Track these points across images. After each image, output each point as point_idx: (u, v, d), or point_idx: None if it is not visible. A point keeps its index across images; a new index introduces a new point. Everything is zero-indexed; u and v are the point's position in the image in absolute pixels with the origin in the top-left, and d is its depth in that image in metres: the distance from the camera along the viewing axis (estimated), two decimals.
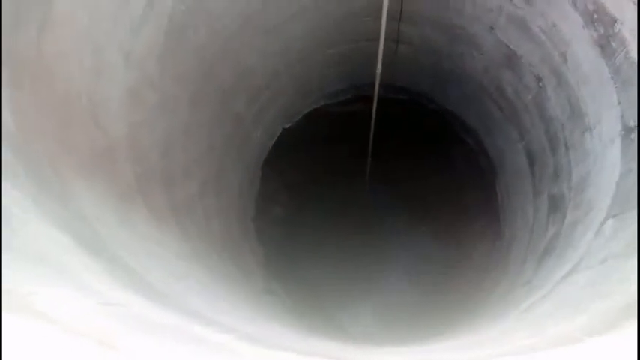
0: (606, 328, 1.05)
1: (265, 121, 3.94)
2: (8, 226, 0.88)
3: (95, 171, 1.85)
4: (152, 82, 2.47)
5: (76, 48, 1.79)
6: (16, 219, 0.93)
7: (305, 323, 3.98)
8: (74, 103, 1.77)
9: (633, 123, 2.15)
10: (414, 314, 4.98)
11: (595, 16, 2.24)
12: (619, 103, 2.25)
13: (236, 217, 3.93)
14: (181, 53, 2.62)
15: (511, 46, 2.98)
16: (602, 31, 2.23)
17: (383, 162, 4.96)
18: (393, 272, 5.31)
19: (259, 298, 3.55)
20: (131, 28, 2.16)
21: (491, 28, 3.00)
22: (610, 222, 2.16)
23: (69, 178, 1.51)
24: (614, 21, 2.14)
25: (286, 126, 4.39)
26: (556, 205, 2.95)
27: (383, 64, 3.58)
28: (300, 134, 4.50)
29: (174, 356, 0.80)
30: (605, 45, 2.24)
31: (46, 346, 0.71)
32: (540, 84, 2.90)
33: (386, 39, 3.25)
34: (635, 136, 2.14)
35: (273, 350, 1.17)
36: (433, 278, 5.14)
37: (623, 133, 2.23)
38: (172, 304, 1.21)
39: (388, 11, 2.86)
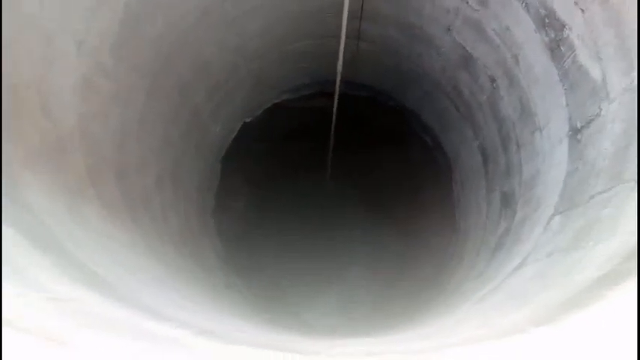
0: (549, 319, 1.10)
1: (225, 115, 3.89)
2: None
3: (44, 163, 1.77)
4: (106, 72, 2.39)
5: (24, 36, 1.71)
6: None
7: (267, 317, 3.98)
8: (21, 92, 1.69)
9: (579, 124, 2.26)
10: (375, 306, 5.07)
11: (546, 20, 2.33)
12: (567, 105, 2.36)
13: (195, 212, 3.87)
14: (137, 43, 2.54)
15: (467, 48, 3.07)
16: (552, 35, 2.33)
17: (343, 157, 5.00)
18: (353, 265, 5.37)
19: (220, 293, 3.51)
20: (84, 16, 2.08)
21: (449, 29, 3.08)
22: (557, 218, 2.27)
23: (16, 170, 1.44)
24: (564, 26, 2.24)
25: (247, 120, 4.35)
26: (507, 201, 3.07)
27: (344, 61, 3.61)
28: (260, 129, 4.47)
29: (125, 352, 0.78)
30: (555, 49, 2.35)
31: None
32: (494, 85, 3.00)
33: (347, 36, 3.28)
34: (581, 136, 2.26)
35: (230, 345, 1.16)
36: (392, 270, 5.23)
37: (570, 133, 2.34)
38: (125, 300, 1.19)
39: (349, 9, 2.88)
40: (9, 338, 0.66)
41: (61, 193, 1.79)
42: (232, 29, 3.13)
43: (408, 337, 1.72)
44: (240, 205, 4.89)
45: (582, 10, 2.10)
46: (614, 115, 1.99)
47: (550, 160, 2.50)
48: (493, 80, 3.00)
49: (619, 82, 1.96)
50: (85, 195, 2.02)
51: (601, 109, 2.06)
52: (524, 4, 2.43)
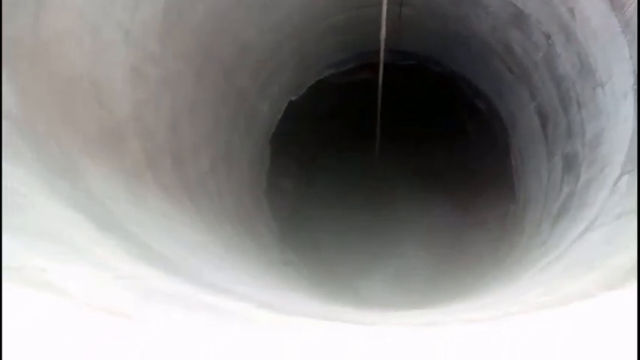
0: (620, 283, 1.04)
1: (270, 94, 3.91)
2: (17, 205, 0.89)
3: (103, 149, 1.86)
4: (154, 60, 2.45)
5: (73, 28, 1.77)
6: (24, 199, 0.94)
7: (323, 291, 4.05)
8: (76, 83, 1.77)
9: None
10: (430, 280, 5.02)
11: None
12: (630, 56, 2.18)
13: (248, 192, 3.95)
14: (180, 30, 2.59)
15: (518, 4, 2.89)
16: None
17: (392, 130, 4.91)
18: (408, 239, 5.32)
19: (277, 270, 3.60)
20: (127, 6, 2.14)
21: None
22: (625, 178, 2.13)
23: (77, 158, 1.52)
24: None
25: (292, 99, 4.35)
26: (570, 165, 2.91)
27: (387, 30, 3.50)
28: (306, 107, 4.47)
29: (187, 324, 0.82)
30: None
31: (63, 319, 0.72)
32: (549, 41, 2.81)
33: (389, 3, 3.17)
34: None
35: (291, 317, 1.18)
36: (448, 244, 5.15)
37: (635, 87, 2.16)
38: (187, 276, 1.23)
39: None
40: (80, 314, 0.70)
41: (120, 177, 1.88)
42: (271, 9, 3.12)
43: (467, 308, 1.69)
44: (290, 184, 4.95)
45: None
46: None
47: (615, 117, 2.33)
48: (548, 37, 2.81)
49: None
50: (143, 179, 2.11)
51: None
52: None
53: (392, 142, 5.06)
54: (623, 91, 2.26)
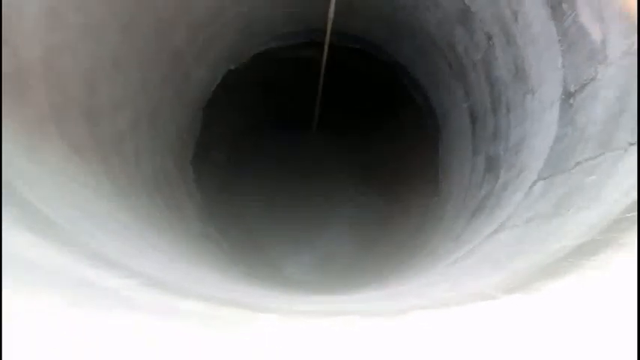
0: (520, 287, 1.05)
1: (208, 60, 3.70)
2: None
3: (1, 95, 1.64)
4: (76, 2, 2.21)
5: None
6: None
7: (242, 270, 3.96)
8: None
9: (573, 88, 2.17)
10: (353, 264, 5.10)
11: None
12: (563, 67, 2.26)
13: (173, 159, 3.75)
14: None
15: (465, 1, 2.90)
16: None
17: (331, 111, 4.87)
18: (334, 222, 5.36)
19: (194, 243, 3.45)
20: None
21: None
22: (540, 184, 2.21)
23: None
24: None
25: (232, 67, 4.16)
26: (491, 165, 3.01)
27: (336, 11, 3.42)
28: (246, 77, 4.29)
29: (48, 303, 0.71)
30: (557, 6, 2.21)
31: None
32: (490, 42, 2.86)
33: None
34: (573, 100, 2.17)
35: (177, 296, 1.09)
36: (373, 229, 5.23)
37: (563, 97, 2.24)
38: (72, 245, 1.10)
39: None
40: None
41: (17, 128, 1.67)
42: None
43: (374, 297, 1.69)
44: (222, 156, 4.77)
45: None
46: (610, 80, 1.89)
47: (539, 125, 2.41)
48: (489, 37, 2.86)
49: (619, 44, 1.86)
50: (46, 133, 1.90)
51: (597, 73, 1.96)
52: None
53: (329, 123, 5.03)
54: (551, 100, 2.34)
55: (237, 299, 1.21)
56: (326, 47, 3.87)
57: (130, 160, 2.77)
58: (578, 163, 1.89)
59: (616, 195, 1.44)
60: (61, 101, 2.13)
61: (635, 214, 1.25)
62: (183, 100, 3.68)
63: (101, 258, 1.08)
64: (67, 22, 2.20)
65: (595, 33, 1.99)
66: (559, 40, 2.23)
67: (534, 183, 2.25)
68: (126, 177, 2.56)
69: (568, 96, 2.17)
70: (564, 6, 2.16)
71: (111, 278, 0.96)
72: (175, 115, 3.62)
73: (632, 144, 1.64)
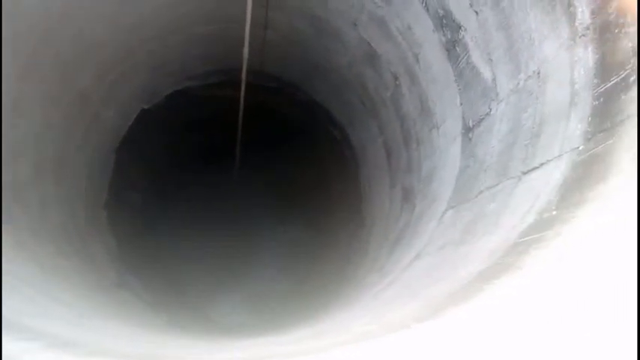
0: (431, 314, 1.10)
1: (119, 100, 3.58)
2: None
3: None
4: None
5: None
6: None
7: (164, 318, 3.75)
8: None
9: (472, 123, 2.36)
10: (282, 302, 5.02)
11: (444, 21, 2.40)
12: (461, 104, 2.46)
13: (84, 205, 3.52)
14: (7, 12, 2.22)
15: (372, 44, 3.09)
16: (449, 36, 2.40)
17: (251, 150, 4.87)
18: (262, 260, 5.28)
19: (109, 294, 3.22)
20: None
21: (355, 24, 3.08)
22: (449, 212, 2.35)
23: None
24: (460, 27, 2.31)
25: (145, 107, 4.05)
26: (407, 196, 3.15)
27: (251, 50, 3.48)
28: (161, 117, 4.19)
29: None
30: (451, 49, 2.42)
31: None
32: (397, 82, 3.05)
33: (254, 24, 3.16)
34: (472, 135, 2.36)
35: (94, 358, 1.02)
36: (302, 265, 5.22)
37: (463, 131, 2.43)
38: None
39: None
40: None
41: None
42: (125, 5, 2.87)
43: (301, 336, 1.67)
44: (137, 198, 4.56)
45: (476, 13, 2.18)
46: (502, 115, 2.09)
47: (445, 157, 2.59)
48: (396, 78, 3.05)
49: (507, 83, 2.06)
50: None
51: (490, 109, 2.15)
52: (424, 3, 2.48)
53: (250, 161, 5.02)
54: (453, 135, 2.53)
55: (159, 352, 1.14)
56: (242, 86, 3.90)
57: (33, 210, 2.57)
58: (480, 192, 2.04)
59: (513, 221, 1.56)
60: None
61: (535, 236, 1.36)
62: (92, 142, 3.51)
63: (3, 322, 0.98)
64: None
65: (486, 73, 2.20)
66: (455, 80, 2.44)
67: (445, 212, 2.39)
68: (29, 227, 2.37)
69: (467, 130, 2.35)
70: (458, 49, 2.38)
71: (9, 343, 0.87)
72: (84, 159, 3.43)
73: (524, 173, 1.81)
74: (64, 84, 2.81)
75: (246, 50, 3.41)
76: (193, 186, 5.04)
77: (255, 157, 5.02)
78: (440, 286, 1.39)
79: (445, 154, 2.64)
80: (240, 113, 4.19)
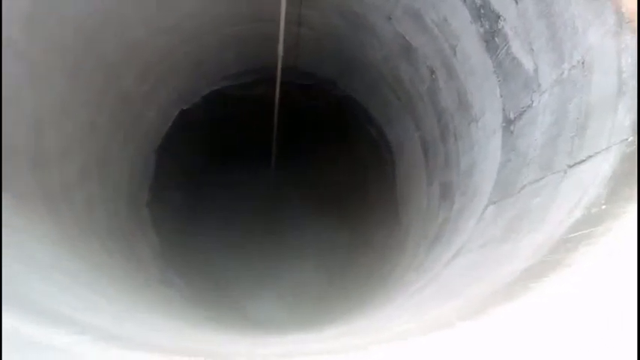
0: (475, 313, 1.07)
1: (159, 101, 3.67)
2: None
3: None
4: (17, 50, 2.16)
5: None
6: None
7: (204, 314, 3.83)
8: None
9: (512, 115, 2.29)
10: (321, 300, 5.04)
11: (482, 11, 2.33)
12: (501, 96, 2.39)
13: (127, 204, 3.64)
14: (54, 20, 2.31)
15: (407, 38, 3.05)
16: (487, 27, 2.33)
17: (287, 148, 4.90)
18: (299, 258, 5.31)
19: (152, 290, 3.32)
20: None
21: (389, 18, 3.04)
22: (491, 208, 2.29)
23: None
24: (498, 17, 2.24)
25: (184, 107, 4.14)
26: (446, 193, 3.09)
27: (286, 48, 3.50)
28: (199, 117, 4.28)
29: None
30: (490, 40, 2.35)
31: None
32: (433, 76, 3.00)
33: (288, 21, 3.17)
34: (513, 127, 2.28)
35: (139, 352, 1.05)
36: (338, 264, 5.21)
37: (504, 124, 2.36)
38: (17, 304, 1.04)
39: None
40: None
41: None
42: (163, 9, 2.94)
43: (338, 334, 1.67)
44: (177, 197, 4.68)
45: (516, 2, 2.11)
46: (545, 106, 2.01)
47: (485, 152, 2.52)
48: (432, 71, 3.00)
49: (550, 73, 1.99)
50: None
51: (532, 101, 2.08)
52: None
53: (286, 159, 5.05)
54: (493, 128, 2.46)
55: (199, 347, 1.16)
56: (278, 84, 3.93)
57: (80, 209, 2.67)
58: (523, 187, 1.98)
59: (560, 216, 1.50)
60: (5, 151, 2.05)
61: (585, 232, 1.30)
62: (135, 143, 3.62)
63: (49, 315, 1.02)
64: (8, 71, 2.15)
65: (527, 63, 2.13)
66: (495, 71, 2.37)
67: (486, 208, 2.33)
68: (76, 225, 2.46)
69: (508, 123, 2.28)
70: (497, 40, 2.31)
71: (61, 336, 0.90)
72: (127, 159, 3.54)
73: (571, 166, 1.74)
74: (107, 86, 2.91)
75: (280, 48, 3.43)
76: (231, 184, 5.12)
77: (291, 154, 5.04)
78: (482, 284, 1.35)
79: (485, 148, 2.57)
80: (276, 111, 4.21)
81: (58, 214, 2.41)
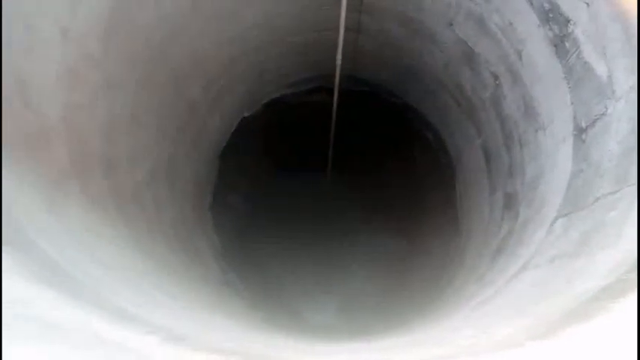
0: (548, 333, 1.02)
1: (223, 108, 3.81)
2: None
3: (22, 153, 1.70)
4: (94, 61, 2.31)
5: (2, 22, 1.63)
6: None
7: (261, 316, 3.91)
8: None
9: (584, 123, 2.17)
10: (375, 307, 5.00)
11: (550, 15, 2.23)
12: (572, 103, 2.27)
13: (191, 207, 3.79)
14: (128, 32, 2.46)
15: (469, 43, 2.97)
16: (556, 31, 2.23)
17: (344, 154, 4.92)
18: (354, 265, 5.30)
19: (214, 291, 3.44)
20: (69, 1, 2.00)
21: (450, 24, 2.98)
22: (560, 221, 2.17)
23: None
24: (568, 21, 2.14)
25: (246, 114, 4.27)
26: (510, 203, 2.97)
27: (344, 55, 3.52)
28: (260, 123, 4.39)
29: None
30: (559, 44, 2.25)
31: None
32: (497, 82, 2.90)
33: (346, 29, 3.19)
34: (585, 136, 2.16)
35: (202, 353, 1.08)
36: (394, 272, 5.15)
37: (575, 133, 2.24)
38: (91, 301, 1.11)
39: (349, 1, 2.79)
40: None
41: (40, 185, 1.72)
42: (228, 21, 3.05)
43: (396, 344, 1.64)
44: (238, 201, 4.82)
45: (587, 4, 2.00)
46: (620, 114, 1.89)
47: (554, 161, 2.40)
48: (496, 77, 2.90)
49: (625, 79, 1.87)
50: (67, 188, 1.95)
51: (607, 108, 1.96)
52: None
53: (342, 166, 5.06)
54: (563, 136, 2.34)
55: (260, 351, 1.19)
56: (336, 92, 3.95)
57: (149, 211, 2.81)
58: (597, 199, 1.86)
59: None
60: (81, 156, 2.20)
61: None
62: (199, 148, 3.77)
63: (122, 314, 1.08)
64: (86, 81, 2.30)
65: (600, 69, 2.01)
66: (565, 77, 2.25)
67: (555, 220, 2.21)
68: (145, 227, 2.60)
69: (580, 131, 2.16)
70: (567, 44, 2.20)
71: (133, 335, 0.95)
72: (192, 164, 3.69)
73: None
74: (176, 95, 3.05)
75: (339, 56, 3.45)
76: (288, 190, 5.20)
77: (348, 161, 5.05)
78: (553, 301, 1.28)
79: (553, 158, 2.44)
80: (333, 118, 4.24)
81: (129, 216, 2.55)
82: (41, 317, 0.84)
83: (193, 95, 3.34)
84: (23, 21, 1.76)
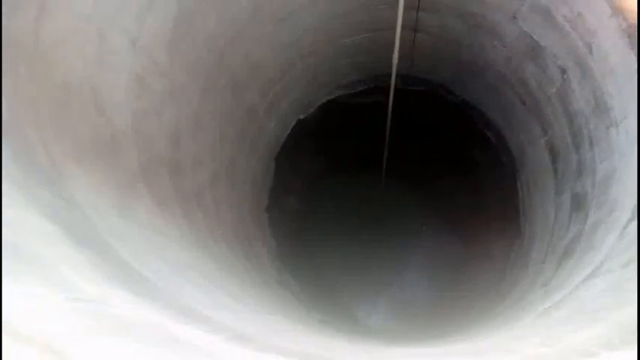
0: (624, 342, 0.95)
1: (279, 112, 3.88)
2: None
3: (95, 158, 1.81)
4: (160, 70, 2.43)
5: (77, 34, 1.75)
6: None
7: (316, 316, 3.94)
8: (74, 90, 1.74)
9: None
10: (430, 311, 4.90)
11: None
12: None
13: (249, 209, 3.89)
14: (191, 41, 2.57)
15: (534, 37, 2.84)
16: (630, 20, 2.08)
17: (400, 155, 4.85)
18: (410, 268, 5.22)
19: (271, 291, 3.51)
20: (138, 13, 2.12)
21: (514, 17, 2.86)
22: (634, 223, 2.03)
23: (65, 166, 1.47)
24: None
25: (301, 117, 4.32)
26: (579, 204, 2.81)
27: (400, 54, 3.47)
28: (315, 126, 4.43)
29: None
30: (634, 35, 2.10)
31: None
32: (565, 76, 2.75)
33: (403, 28, 3.15)
34: None
35: (262, 353, 1.11)
36: (451, 275, 5.03)
37: None
38: (161, 299, 1.16)
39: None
40: (7, 348, 0.61)
41: (110, 188, 1.83)
42: (285, 25, 3.10)
43: (456, 351, 1.59)
44: (293, 203, 4.88)
45: None
46: None
47: (628, 159, 2.24)
48: (563, 71, 2.75)
49: None
50: (135, 191, 2.06)
51: None
52: None
53: (399, 166, 4.99)
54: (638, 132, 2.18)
55: (317, 353, 1.20)
56: (391, 92, 3.91)
57: (210, 213, 2.91)
58: None
59: None
60: (148, 160, 2.32)
61: None
62: (257, 151, 3.86)
63: (189, 313, 1.13)
64: (152, 89, 2.42)
65: None
66: None
67: (629, 222, 2.07)
68: (207, 228, 2.69)
69: None
70: None
71: (199, 334, 0.99)
72: (250, 167, 3.79)
73: None
74: (235, 101, 3.14)
75: (395, 56, 3.41)
76: (343, 191, 5.20)
77: (404, 162, 4.98)
78: (628, 309, 1.20)
79: (628, 156, 2.29)
80: (389, 118, 4.20)
81: (191, 217, 2.65)
82: (116, 315, 0.90)
83: (251, 99, 3.43)
84: (97, 32, 1.88)
